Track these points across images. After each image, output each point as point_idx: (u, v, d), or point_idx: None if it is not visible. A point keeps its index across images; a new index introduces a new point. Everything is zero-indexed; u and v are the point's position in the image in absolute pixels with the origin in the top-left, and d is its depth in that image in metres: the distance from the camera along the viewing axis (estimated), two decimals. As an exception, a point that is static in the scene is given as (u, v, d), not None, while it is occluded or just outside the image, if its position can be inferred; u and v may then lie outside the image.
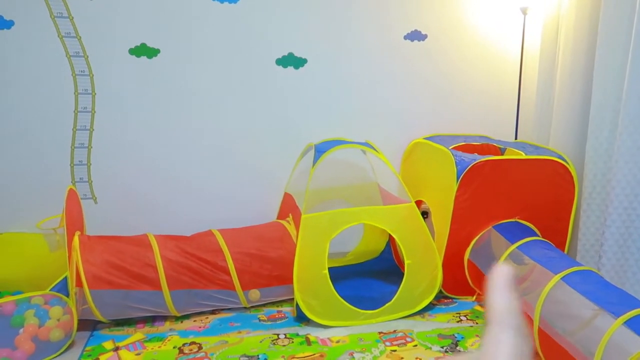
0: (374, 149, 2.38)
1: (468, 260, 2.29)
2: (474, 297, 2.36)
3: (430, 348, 1.97)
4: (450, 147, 2.46)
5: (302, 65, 2.62)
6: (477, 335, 2.06)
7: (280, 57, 2.59)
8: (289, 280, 2.20)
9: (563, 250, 2.37)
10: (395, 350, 1.96)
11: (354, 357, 1.91)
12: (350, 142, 2.40)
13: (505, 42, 2.80)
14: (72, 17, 2.33)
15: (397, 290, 2.23)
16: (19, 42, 2.31)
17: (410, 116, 2.79)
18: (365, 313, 2.15)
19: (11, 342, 1.90)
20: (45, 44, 2.33)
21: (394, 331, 2.10)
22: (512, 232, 2.21)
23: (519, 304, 0.48)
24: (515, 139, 2.86)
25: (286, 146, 2.64)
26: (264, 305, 2.30)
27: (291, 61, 2.60)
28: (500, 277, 0.47)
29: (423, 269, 2.23)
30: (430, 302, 2.25)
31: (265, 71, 2.58)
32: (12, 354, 1.85)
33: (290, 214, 2.44)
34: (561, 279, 1.80)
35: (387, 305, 2.18)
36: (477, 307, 2.31)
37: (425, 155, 2.63)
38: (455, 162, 2.27)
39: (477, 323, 2.17)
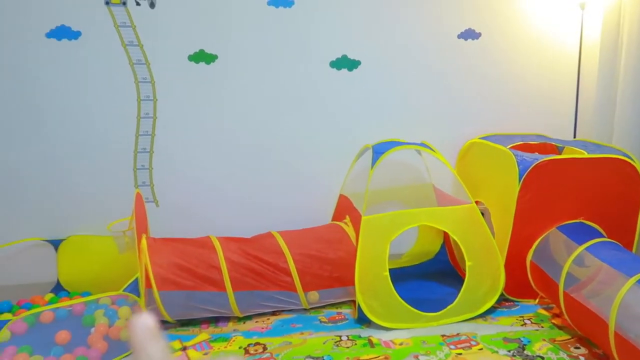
0: (432, 149, 2.36)
1: (531, 262, 2.25)
2: (537, 300, 2.31)
3: (497, 352, 1.94)
4: (508, 147, 2.42)
5: (356, 67, 2.62)
6: (544, 339, 2.02)
7: (334, 59, 2.60)
8: (349, 282, 2.21)
9: (631, 251, 2.29)
10: (460, 354, 1.94)
11: (419, 360, 1.90)
12: (408, 142, 2.39)
13: (563, 37, 2.73)
14: (135, 26, 2.41)
15: (456, 292, 2.20)
16: (86, 51, 2.40)
17: (465, 116, 2.76)
18: (427, 315, 2.13)
19: (84, 341, 1.98)
20: (109, 53, 2.41)
21: (457, 334, 2.08)
22: (578, 233, 2.15)
23: (167, 354, 0.43)
24: (574, 137, 2.79)
25: (341, 148, 2.65)
26: (323, 307, 2.31)
27: (345, 63, 2.61)
28: (143, 329, 0.42)
29: (485, 271, 2.20)
30: (492, 305, 2.22)
31: (319, 74, 2.60)
32: (88, 353, 1.93)
33: (347, 216, 2.44)
34: (637, 282, 1.74)
35: (448, 307, 2.16)
36: (541, 310, 2.26)
37: (482, 156, 2.59)
38: (517, 161, 2.23)
39: (542, 327, 2.12)
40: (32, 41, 2.36)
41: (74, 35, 2.38)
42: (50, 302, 2.33)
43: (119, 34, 2.41)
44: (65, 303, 2.11)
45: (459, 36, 2.67)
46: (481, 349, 1.97)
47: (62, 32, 2.37)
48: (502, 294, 2.26)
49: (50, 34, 2.37)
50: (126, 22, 2.40)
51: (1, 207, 2.49)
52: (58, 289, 2.48)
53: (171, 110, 2.53)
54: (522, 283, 2.29)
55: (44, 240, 2.50)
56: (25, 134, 2.45)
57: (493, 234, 2.32)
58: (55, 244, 2.50)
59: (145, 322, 0.42)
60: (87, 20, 2.38)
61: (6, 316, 2.19)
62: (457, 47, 2.68)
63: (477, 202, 2.51)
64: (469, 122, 2.76)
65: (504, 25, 2.69)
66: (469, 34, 2.67)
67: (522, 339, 2.03)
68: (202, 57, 2.50)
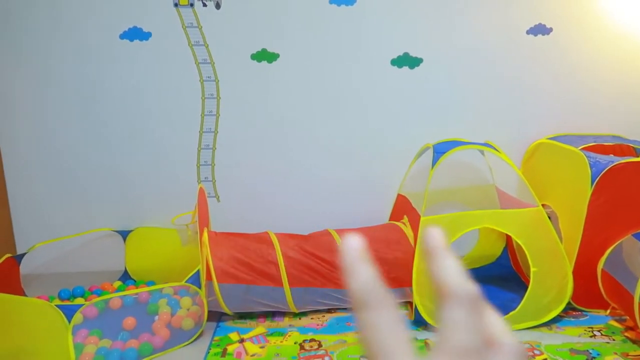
0: (496, 150, 2.27)
1: (602, 270, 2.12)
2: (608, 311, 2.17)
3: (562, 363, 1.84)
4: (579, 148, 2.29)
5: (418, 65, 2.58)
6: (615, 353, 1.89)
7: (395, 57, 2.57)
8: (405, 283, 2.18)
9: None
10: (523, 363, 1.85)
11: (478, 366, 1.83)
12: (470, 142, 2.32)
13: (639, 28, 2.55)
14: (201, 27, 2.49)
15: (518, 299, 2.11)
16: (156, 52, 2.52)
17: (532, 115, 2.64)
18: (488, 321, 2.06)
19: (149, 328, 2.07)
20: (177, 52, 2.51)
21: (520, 342, 1.99)
22: (657, 242, 2.00)
23: (378, 277, 0.38)
24: (654, 138, 2.59)
25: (400, 147, 2.61)
26: (378, 306, 2.28)
27: (406, 61, 2.57)
28: (352, 250, 0.38)
29: (551, 278, 2.09)
30: (558, 314, 2.11)
31: (380, 72, 2.58)
32: (152, 339, 2.01)
33: (405, 216, 2.41)
34: None
35: (510, 313, 2.07)
36: (612, 322, 2.12)
37: (550, 157, 2.47)
38: (590, 164, 2.10)
39: (613, 339, 1.99)
40: (106, 42, 2.51)
41: (145, 36, 2.50)
42: (118, 289, 2.46)
43: (186, 34, 2.50)
44: (131, 291, 2.22)
45: (528, 32, 2.56)
46: (546, 359, 1.87)
47: (135, 34, 2.49)
48: (569, 303, 2.14)
49: (124, 35, 2.50)
50: (193, 22, 2.49)
51: (77, 200, 2.66)
52: (125, 278, 2.61)
53: (233, 108, 2.60)
54: (591, 292, 2.16)
55: (113, 231, 2.64)
56: (99, 132, 2.60)
57: (561, 239, 2.20)
58: (124, 234, 2.64)
59: (354, 243, 0.39)
60: (157, 21, 2.49)
61: (79, 300, 2.34)
62: (526, 43, 2.56)
63: (543, 206, 2.40)
64: (536, 122, 2.63)
65: (577, 18, 2.54)
66: (539, 29, 2.55)
67: (591, 351, 1.91)
68: (264, 56, 2.55)
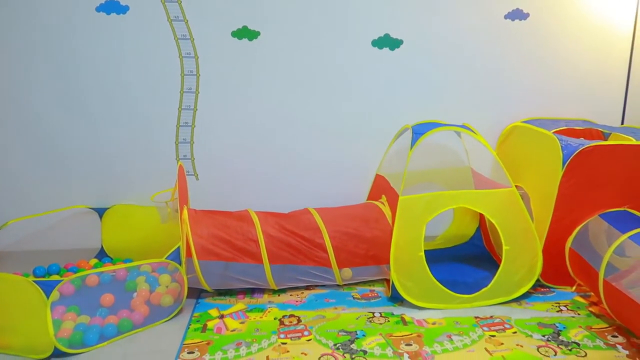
0: (472, 132, 2.33)
1: (570, 249, 2.21)
2: (574, 288, 2.27)
3: (531, 336, 1.93)
4: (552, 132, 2.36)
5: (398, 47, 2.60)
6: (580, 326, 1.99)
7: (376, 38, 2.58)
8: (383, 261, 2.23)
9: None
10: (494, 336, 1.93)
11: (452, 340, 1.91)
12: (448, 124, 2.36)
13: (616, 19, 2.63)
14: (181, 2, 2.45)
15: (490, 276, 2.19)
16: (133, 26, 2.46)
17: (508, 99, 2.70)
18: (461, 297, 2.13)
19: (128, 304, 2.07)
20: (156, 27, 2.46)
21: (491, 317, 2.07)
22: (622, 222, 2.09)
23: None
24: (622, 123, 2.70)
25: (379, 128, 2.64)
26: (356, 284, 2.34)
27: (387, 42, 2.59)
28: None
29: (522, 256, 2.18)
30: (527, 290, 2.20)
31: (361, 53, 2.59)
32: (131, 316, 2.02)
33: (383, 195, 2.45)
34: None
35: (483, 290, 2.15)
36: (577, 298, 2.23)
37: (524, 140, 2.54)
38: (561, 146, 2.18)
39: (578, 314, 2.09)
40: (82, 14, 2.43)
41: (122, 9, 2.44)
42: (95, 267, 2.44)
43: (165, 9, 2.45)
44: (108, 268, 2.21)
45: (506, 16, 2.60)
46: (515, 332, 1.96)
47: (111, 6, 2.43)
48: (538, 280, 2.24)
49: (100, 8, 2.43)
50: (172, -3, 2.44)
51: (51, 176, 2.61)
52: (102, 255, 2.59)
53: (213, 86, 2.57)
54: (559, 270, 2.25)
55: (89, 208, 2.61)
56: (72, 106, 2.54)
57: (532, 219, 2.29)
58: (100, 212, 2.61)
59: None
60: (135, -6, 2.43)
61: (55, 278, 2.31)
62: (504, 27, 2.61)
63: (517, 187, 2.47)
64: (511, 105, 2.70)
65: (554, 5, 2.60)
66: (517, 14, 2.60)
67: (557, 324, 2.01)
68: (245, 33, 2.52)
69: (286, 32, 2.54)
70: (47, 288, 1.78)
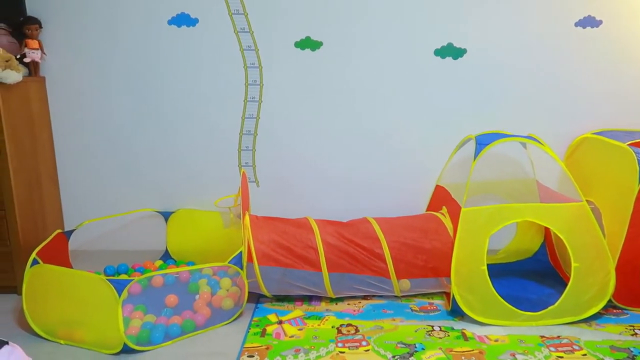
0: (540, 143, 2.25)
1: (646, 268, 2.08)
2: (650, 310, 2.13)
3: (602, 359, 1.83)
4: (627, 144, 2.24)
5: (462, 56, 2.56)
6: (658, 352, 1.87)
7: (439, 47, 2.56)
8: (443, 273, 2.19)
9: None
10: (562, 357, 1.85)
11: (516, 358, 1.84)
12: (513, 135, 2.30)
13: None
14: (247, 14, 2.53)
15: (556, 294, 2.10)
16: (202, 38, 2.57)
17: (577, 109, 2.59)
18: (526, 314, 2.05)
19: (191, 306, 2.14)
20: (223, 39, 2.56)
21: (558, 337, 1.98)
22: None
23: None
24: None
25: (441, 138, 2.61)
26: (414, 296, 2.30)
27: (450, 52, 2.56)
28: None
29: (593, 274, 2.07)
30: (598, 311, 2.08)
31: (423, 62, 2.57)
32: (194, 317, 2.08)
33: (443, 207, 2.41)
34: None
35: (550, 308, 2.06)
36: (654, 321, 2.09)
37: (595, 152, 2.43)
38: (638, 159, 2.06)
39: (655, 339, 1.96)
40: (156, 28, 2.57)
41: (192, 22, 2.55)
42: (160, 268, 2.54)
43: (232, 21, 2.54)
44: (172, 270, 2.30)
45: (577, 24, 2.51)
46: (585, 354, 1.86)
47: (182, 19, 2.55)
48: (610, 300, 2.12)
49: (172, 21, 2.56)
50: (239, 9, 2.53)
51: (121, 181, 2.75)
52: (166, 257, 2.69)
53: (276, 95, 2.63)
54: (633, 290, 2.13)
55: (156, 212, 2.73)
56: (144, 115, 2.68)
57: (604, 236, 2.17)
58: (166, 215, 2.72)
59: None
60: (205, 8, 2.54)
61: (124, 277, 2.43)
62: (574, 35, 2.52)
63: (586, 202, 2.36)
64: (581, 116, 2.59)
65: (630, 11, 2.48)
66: (589, 22, 2.50)
67: (632, 349, 1.89)
68: (308, 43, 2.57)
69: (348, 42, 2.57)
70: (119, 287, 1.87)
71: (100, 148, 2.72)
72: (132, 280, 1.94)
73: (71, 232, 2.48)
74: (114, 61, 2.62)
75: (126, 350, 1.88)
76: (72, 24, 2.57)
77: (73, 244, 2.50)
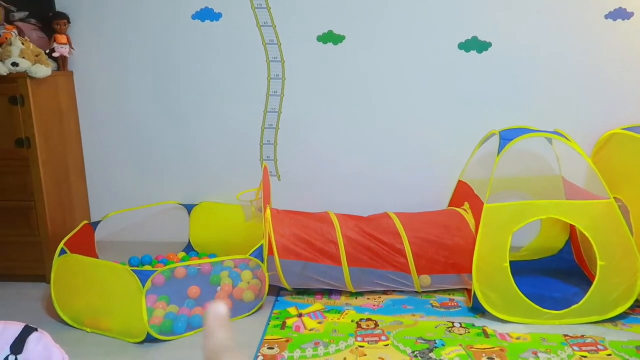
0: (566, 138, 2.20)
1: (676, 268, 2.02)
2: (679, 311, 2.08)
3: (628, 360, 1.79)
4: (658, 140, 2.18)
5: (486, 50, 2.52)
6: (686, 354, 1.82)
7: (463, 41, 2.52)
8: (464, 270, 2.17)
9: None
10: (586, 357, 1.81)
11: (538, 357, 1.81)
12: (539, 130, 2.25)
13: None
14: (270, 8, 2.54)
15: (581, 293, 2.06)
16: (226, 32, 2.59)
17: (606, 104, 2.53)
18: (549, 313, 2.02)
19: (213, 297, 2.17)
20: (246, 33, 2.58)
21: (582, 336, 1.94)
22: None
23: (231, 341, 0.46)
24: None
25: (464, 133, 2.58)
26: (435, 292, 2.29)
27: (475, 45, 2.52)
28: (216, 316, 0.47)
29: (619, 273, 2.02)
30: (625, 311, 2.04)
31: (447, 56, 2.54)
32: (215, 308, 2.11)
33: (466, 202, 2.38)
34: None
35: (574, 307, 2.02)
36: (683, 323, 2.03)
37: (624, 148, 2.36)
38: (669, 156, 2.00)
39: (684, 340, 1.91)
40: (180, 23, 2.60)
41: (216, 17, 2.57)
42: (183, 260, 2.58)
43: (255, 15, 2.55)
44: (195, 262, 2.33)
45: (607, 16, 2.44)
46: (610, 355, 1.82)
47: (206, 14, 2.57)
48: (637, 301, 2.07)
49: (195, 16, 2.58)
50: (262, 4, 2.54)
51: (146, 174, 2.81)
52: (189, 249, 2.73)
53: (298, 89, 2.64)
54: (662, 291, 2.07)
55: (179, 204, 2.77)
56: (170, 109, 2.72)
57: (632, 234, 2.12)
58: (189, 208, 2.76)
59: (218, 310, 0.48)
60: (228, 2, 2.56)
61: (147, 268, 2.47)
62: (605, 27, 2.45)
63: (614, 199, 2.31)
64: (609, 111, 2.52)
65: (662, 3, 2.40)
66: (620, 14, 2.42)
67: (659, 350, 1.85)
68: (330, 38, 2.56)
69: (371, 36, 2.55)
70: (143, 277, 1.91)
71: (126, 142, 2.78)
72: (155, 271, 1.97)
73: (97, 223, 2.54)
74: (139, 56, 2.66)
75: (150, 339, 1.93)
76: (99, 20, 2.63)
77: (99, 235, 2.56)
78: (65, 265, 2.08)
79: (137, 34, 2.63)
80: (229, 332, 0.47)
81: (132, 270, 1.93)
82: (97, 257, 2.50)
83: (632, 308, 2.06)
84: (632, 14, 2.43)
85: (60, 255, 2.11)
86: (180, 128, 2.74)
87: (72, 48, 2.63)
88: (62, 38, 2.56)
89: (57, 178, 2.52)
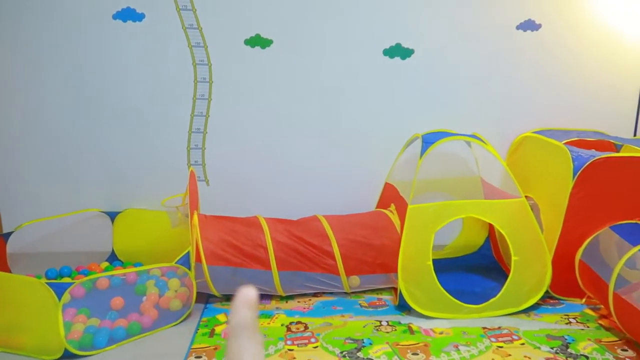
0: (482, 141, 2.33)
1: (580, 260, 2.19)
2: (584, 300, 2.25)
3: (539, 348, 1.92)
4: (563, 142, 2.36)
5: (409, 56, 2.61)
6: (589, 339, 1.98)
7: (387, 47, 2.60)
8: (391, 269, 2.23)
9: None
10: (501, 347, 1.93)
11: (459, 350, 1.90)
12: (458, 133, 2.37)
13: (631, 30, 2.62)
14: (195, 10, 2.49)
15: (499, 287, 2.19)
16: (149, 33, 2.51)
17: (519, 109, 2.70)
18: (469, 307, 2.13)
19: (137, 308, 2.09)
20: (170, 35, 2.51)
21: (499, 327, 2.06)
22: (633, 234, 2.07)
23: (257, 321, 0.51)
24: (635, 135, 2.68)
25: (389, 137, 2.65)
26: (363, 292, 2.34)
27: (398, 52, 2.60)
28: (245, 297, 0.50)
29: (531, 267, 2.17)
30: (536, 302, 2.19)
31: (372, 62, 2.61)
32: (140, 319, 2.04)
33: (392, 204, 2.46)
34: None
35: (491, 301, 2.14)
36: (587, 310, 2.21)
37: (535, 150, 2.54)
38: (572, 157, 2.17)
39: (587, 326, 2.07)
40: (99, 22, 2.49)
41: (138, 17, 2.49)
42: (106, 270, 2.47)
43: (180, 17, 2.50)
44: (119, 271, 2.24)
45: (518, 27, 2.61)
46: (523, 343, 1.95)
47: (128, 14, 2.48)
48: (547, 291, 2.23)
49: (117, 16, 2.48)
50: (187, 5, 2.49)
51: (64, 180, 2.65)
52: (112, 259, 2.62)
53: (225, 93, 2.61)
54: (569, 281, 2.24)
55: (101, 212, 2.64)
56: (89, 113, 2.59)
57: (542, 230, 2.28)
58: (112, 216, 2.64)
59: (249, 293, 0.50)
60: (151, 3, 2.48)
61: (66, 280, 2.34)
62: (515, 38, 2.62)
63: (526, 197, 2.47)
64: (522, 116, 2.70)
65: (566, 15, 2.60)
66: (529, 25, 2.60)
67: (566, 337, 1.99)
68: (257, 41, 2.55)
69: (298, 41, 2.57)
70: (59, 290, 1.81)
71: (41, 146, 2.61)
72: (73, 283, 1.87)
73: (9, 234, 2.37)
74: (52, 56, 2.52)
75: (67, 355, 1.82)
76: (12, 16, 2.45)
77: (12, 247, 2.39)
78: (-28, 281, 1.93)
79: (52, 32, 2.49)
80: (253, 313, 0.49)
81: (47, 283, 1.82)
82: (9, 271, 2.34)
83: (542, 299, 2.21)
84: (539, 26, 2.61)
85: (-35, 270, 1.95)
86: (101, 132, 2.61)
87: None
88: (-34, 35, 2.37)
89: (-39, 186, 2.33)
